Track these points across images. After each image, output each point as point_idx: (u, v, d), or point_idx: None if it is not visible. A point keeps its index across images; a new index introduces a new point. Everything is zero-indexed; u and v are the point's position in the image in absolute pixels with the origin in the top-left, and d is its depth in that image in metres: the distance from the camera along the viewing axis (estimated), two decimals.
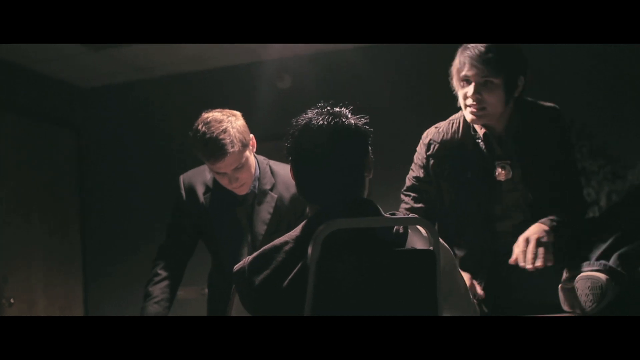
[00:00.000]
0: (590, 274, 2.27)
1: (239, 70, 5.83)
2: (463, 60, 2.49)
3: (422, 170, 2.71)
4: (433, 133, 2.70)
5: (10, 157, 5.37)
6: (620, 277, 2.26)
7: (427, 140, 2.70)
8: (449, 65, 2.61)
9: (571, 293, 2.32)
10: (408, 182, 2.78)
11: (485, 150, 2.60)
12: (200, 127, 2.75)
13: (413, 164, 2.77)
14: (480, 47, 2.45)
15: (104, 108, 6.23)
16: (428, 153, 2.68)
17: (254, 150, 2.92)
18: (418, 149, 2.75)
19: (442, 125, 2.71)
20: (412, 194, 2.76)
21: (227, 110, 2.84)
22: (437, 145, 2.66)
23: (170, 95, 6.03)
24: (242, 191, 2.89)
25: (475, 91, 2.48)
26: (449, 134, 2.65)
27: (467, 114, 2.55)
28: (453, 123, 2.68)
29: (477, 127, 2.62)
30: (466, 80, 2.50)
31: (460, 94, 2.55)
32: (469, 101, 2.51)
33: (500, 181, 2.59)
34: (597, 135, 4.92)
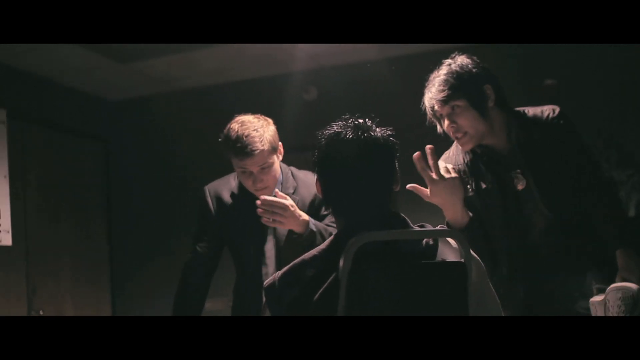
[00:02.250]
0: (621, 285, 2.26)
1: (265, 83, 5.85)
2: (428, 105, 2.59)
3: None
4: (444, 159, 2.69)
5: (38, 169, 5.42)
6: None
7: None
8: None
9: (602, 306, 2.29)
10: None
11: (495, 165, 2.59)
12: (233, 125, 2.89)
13: None
14: (432, 87, 2.55)
15: (130, 120, 6.29)
16: None
17: (281, 157, 2.98)
18: None
19: (452, 149, 2.73)
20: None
21: (260, 115, 2.96)
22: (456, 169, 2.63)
23: (196, 107, 6.06)
24: (264, 194, 2.89)
25: (450, 122, 2.53)
26: (461, 157, 2.65)
27: (459, 145, 2.61)
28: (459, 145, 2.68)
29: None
30: (440, 117, 2.58)
31: (445, 130, 2.60)
32: (451, 133, 2.57)
33: (517, 191, 2.57)
34: (625, 144, 4.87)
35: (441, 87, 2.51)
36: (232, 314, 3.16)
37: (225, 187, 3.05)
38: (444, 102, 2.51)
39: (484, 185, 2.59)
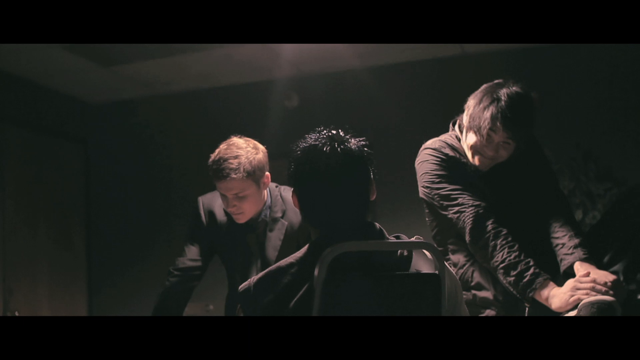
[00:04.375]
0: (595, 299, 2.26)
1: (246, 89, 5.86)
2: (494, 115, 2.45)
3: (450, 172, 2.63)
4: (438, 141, 2.68)
5: (17, 171, 5.39)
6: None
7: (435, 146, 2.66)
8: (456, 86, 2.62)
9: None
10: (453, 194, 2.59)
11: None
12: (220, 146, 2.90)
13: (438, 179, 2.63)
14: (510, 106, 2.44)
15: (111, 123, 6.27)
16: (446, 156, 2.63)
17: (266, 187, 2.98)
18: (429, 158, 2.66)
19: (445, 136, 2.72)
20: (464, 202, 2.57)
21: (253, 141, 2.94)
22: (449, 149, 2.64)
23: (178, 111, 6.06)
24: (239, 219, 2.94)
25: (493, 148, 2.51)
26: (450, 141, 2.66)
27: (475, 159, 2.57)
28: (451, 136, 2.70)
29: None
30: (487, 136, 2.50)
31: (474, 136, 2.53)
32: (485, 152, 2.53)
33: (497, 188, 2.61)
34: (603, 158, 4.92)
35: (518, 126, 2.46)
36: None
37: (218, 201, 3.06)
38: (505, 133, 2.46)
39: (479, 172, 2.61)
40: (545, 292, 2.35)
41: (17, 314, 5.15)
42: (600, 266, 2.37)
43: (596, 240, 2.55)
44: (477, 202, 2.53)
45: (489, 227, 2.47)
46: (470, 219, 2.51)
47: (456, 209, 2.56)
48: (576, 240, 2.46)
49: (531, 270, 2.38)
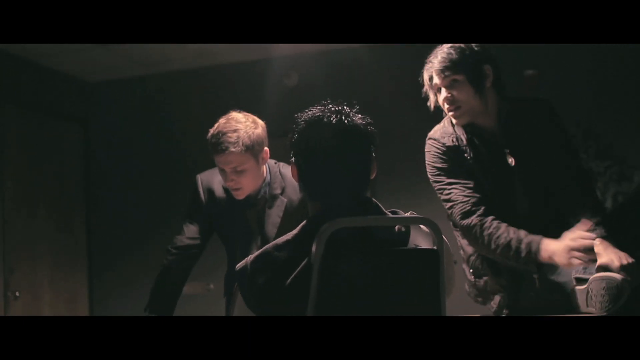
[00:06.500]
0: (605, 275, 2.26)
1: (246, 67, 5.84)
2: (427, 76, 2.64)
3: (448, 164, 2.66)
4: (440, 130, 2.71)
5: (16, 151, 5.38)
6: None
7: (436, 136, 2.70)
8: None
9: (585, 295, 2.32)
10: (447, 189, 2.64)
11: (487, 142, 2.63)
12: (220, 120, 2.90)
13: (436, 172, 2.68)
14: (433, 58, 2.60)
15: (111, 103, 6.25)
16: (445, 147, 2.66)
17: (265, 162, 2.97)
18: (431, 149, 2.71)
19: (443, 122, 2.75)
20: (454, 198, 2.61)
21: (252, 116, 2.94)
22: (449, 138, 2.67)
23: (177, 90, 6.04)
24: (238, 195, 2.94)
25: (446, 94, 2.58)
26: (451, 129, 2.68)
27: (452, 118, 2.65)
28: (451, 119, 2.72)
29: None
30: (437, 89, 2.62)
31: (439, 102, 2.65)
32: (445, 105, 2.61)
33: (509, 166, 2.62)
34: (604, 136, 4.90)
35: (443, 60, 2.57)
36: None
37: (217, 178, 3.05)
38: (443, 74, 2.56)
39: (479, 157, 2.61)
40: (545, 255, 2.39)
41: (17, 294, 5.15)
42: (621, 247, 2.36)
43: (618, 220, 2.56)
44: (467, 198, 2.58)
45: (474, 222, 2.53)
46: (458, 216, 2.58)
47: (448, 204, 2.63)
48: (597, 218, 2.46)
49: (523, 244, 2.43)
